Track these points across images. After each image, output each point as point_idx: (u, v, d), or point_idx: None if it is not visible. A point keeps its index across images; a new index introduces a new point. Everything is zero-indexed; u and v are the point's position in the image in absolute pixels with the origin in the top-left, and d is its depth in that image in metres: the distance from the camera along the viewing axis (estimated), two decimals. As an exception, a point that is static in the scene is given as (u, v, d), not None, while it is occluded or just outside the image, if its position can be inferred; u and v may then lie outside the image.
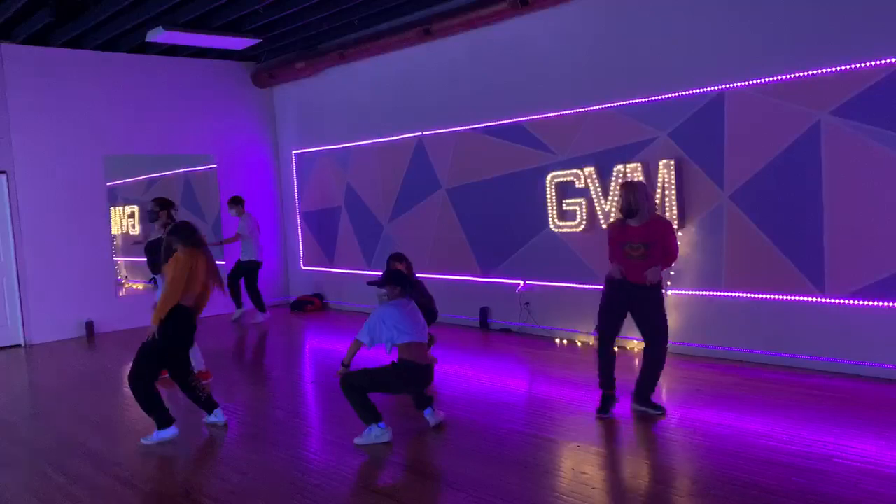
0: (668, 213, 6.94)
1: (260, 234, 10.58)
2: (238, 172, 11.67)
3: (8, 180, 9.66)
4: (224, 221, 11.39)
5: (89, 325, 10.12)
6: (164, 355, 5.36)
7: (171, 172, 11.24)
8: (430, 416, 5.35)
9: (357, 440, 5.05)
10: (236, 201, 10.43)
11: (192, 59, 11.09)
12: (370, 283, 5.49)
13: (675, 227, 6.93)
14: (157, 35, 8.89)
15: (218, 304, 10.70)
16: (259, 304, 10.44)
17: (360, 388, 5.04)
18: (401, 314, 5.17)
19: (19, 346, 9.76)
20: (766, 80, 6.32)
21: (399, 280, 5.32)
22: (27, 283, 9.78)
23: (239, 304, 10.57)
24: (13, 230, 9.71)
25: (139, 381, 5.28)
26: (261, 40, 9.77)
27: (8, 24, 8.91)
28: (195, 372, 6.86)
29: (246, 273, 10.38)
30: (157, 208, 6.95)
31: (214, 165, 11.45)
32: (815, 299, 6.17)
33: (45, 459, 5.19)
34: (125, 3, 8.12)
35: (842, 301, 6.03)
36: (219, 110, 11.44)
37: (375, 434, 5.02)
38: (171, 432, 5.33)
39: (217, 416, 5.68)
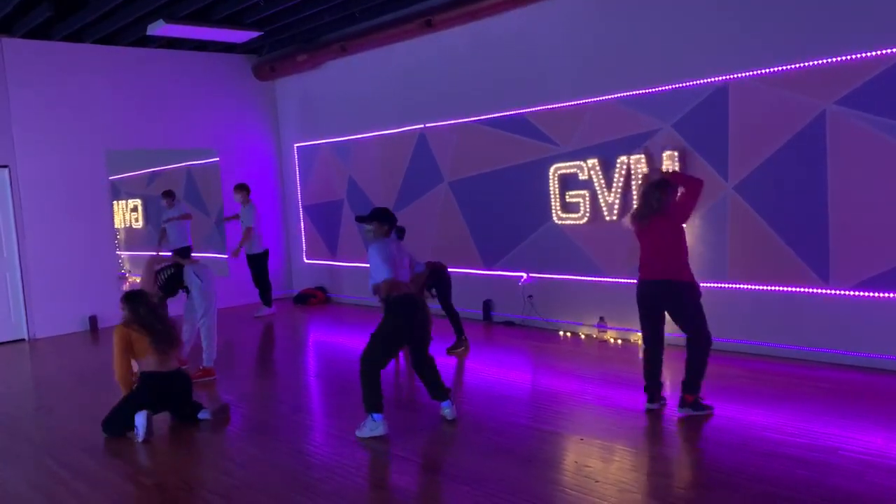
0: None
1: (261, 225, 10.54)
2: (240, 166, 11.64)
3: (10, 175, 9.65)
4: (227, 214, 11.36)
5: (93, 320, 10.13)
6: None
7: (174, 166, 11.22)
8: (448, 411, 5.31)
9: (358, 433, 5.05)
10: (243, 188, 10.40)
11: (194, 53, 11.06)
12: (358, 219, 5.49)
13: None
14: (157, 28, 8.86)
15: (221, 298, 10.70)
16: (266, 298, 10.42)
17: (378, 366, 5.05)
18: (390, 251, 5.22)
19: (23, 340, 9.77)
20: (771, 70, 6.27)
21: (386, 218, 5.34)
22: (30, 277, 9.79)
23: (267, 303, 10.52)
24: (16, 224, 9.71)
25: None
26: (262, 33, 9.73)
27: (8, 18, 8.88)
28: (200, 368, 6.92)
29: (256, 264, 10.34)
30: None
31: (217, 159, 11.43)
32: (819, 291, 6.14)
33: (48, 454, 5.19)
34: (125, -4, 8.10)
35: (846, 292, 5.99)
36: (220, 103, 11.41)
37: (370, 427, 5.01)
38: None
39: (203, 413, 5.72)
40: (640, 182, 7.11)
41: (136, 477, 4.74)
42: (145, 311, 5.56)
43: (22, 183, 9.70)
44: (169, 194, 10.76)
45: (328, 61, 10.59)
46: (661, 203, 5.11)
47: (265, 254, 10.41)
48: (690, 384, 5.10)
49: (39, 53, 9.76)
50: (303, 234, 11.85)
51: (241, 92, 11.64)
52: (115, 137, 10.42)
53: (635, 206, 5.32)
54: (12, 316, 9.75)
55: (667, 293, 5.12)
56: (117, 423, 5.40)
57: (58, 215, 9.94)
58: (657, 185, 5.21)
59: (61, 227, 9.97)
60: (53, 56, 9.87)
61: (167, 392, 5.53)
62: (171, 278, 6.86)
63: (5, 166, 9.63)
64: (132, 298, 5.64)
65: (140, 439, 5.27)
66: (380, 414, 5.04)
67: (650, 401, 5.29)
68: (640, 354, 5.42)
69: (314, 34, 10.35)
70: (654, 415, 5.18)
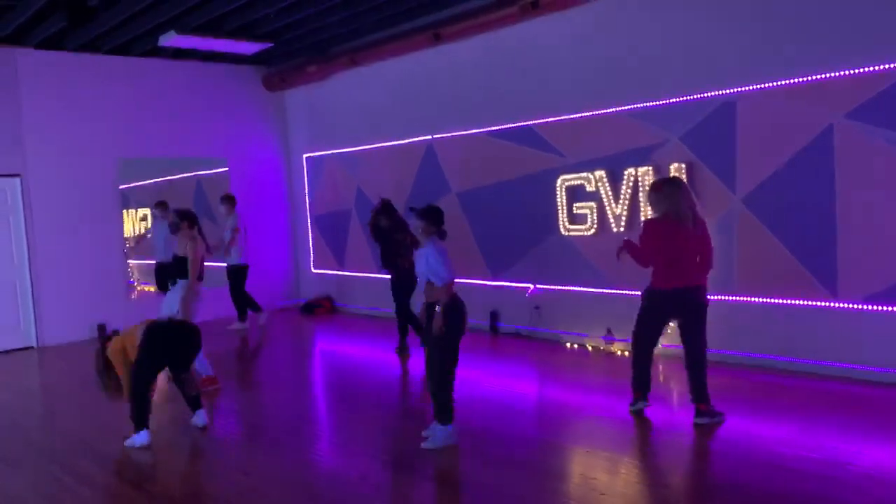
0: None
1: (247, 237, 10.27)
2: (249, 175, 11.70)
3: (22, 183, 9.74)
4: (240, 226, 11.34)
5: (101, 328, 10.16)
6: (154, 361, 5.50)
7: (183, 175, 11.29)
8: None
9: (426, 444, 4.93)
10: (230, 199, 10.14)
11: (205, 63, 11.15)
12: (411, 209, 5.30)
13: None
14: (169, 39, 8.94)
15: (223, 308, 10.66)
16: (253, 306, 10.23)
17: (452, 373, 4.96)
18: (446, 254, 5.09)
19: (32, 347, 9.82)
20: (779, 83, 6.27)
21: (436, 220, 5.11)
22: (40, 285, 9.84)
23: (243, 317, 10.25)
24: (26, 232, 9.78)
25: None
26: (272, 44, 9.80)
27: (23, 28, 8.99)
28: (202, 376, 6.94)
29: (235, 276, 10.05)
30: (178, 219, 6.91)
31: (226, 168, 11.50)
32: (827, 304, 6.11)
33: (54, 460, 5.21)
34: (138, 7, 8.17)
35: (854, 306, 5.97)
36: (231, 114, 11.49)
37: (444, 437, 4.92)
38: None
39: (198, 418, 5.70)
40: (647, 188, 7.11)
41: (142, 484, 4.74)
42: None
43: (33, 191, 9.78)
44: (161, 205, 10.54)
45: (337, 73, 10.66)
46: (694, 201, 5.22)
47: (245, 268, 10.10)
48: (702, 393, 5.15)
49: (52, 63, 9.87)
50: (311, 243, 11.88)
51: (251, 102, 11.72)
52: (125, 146, 10.49)
53: (666, 207, 5.13)
54: (21, 323, 9.80)
55: (696, 298, 5.17)
56: (142, 376, 5.41)
57: (68, 224, 10.00)
58: (679, 182, 5.30)
59: (71, 236, 10.03)
60: (66, 66, 9.97)
61: (176, 337, 5.58)
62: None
63: (17, 175, 9.72)
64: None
65: (129, 444, 5.34)
66: (452, 424, 4.96)
67: (644, 400, 5.41)
68: (634, 357, 5.42)
69: (324, 46, 10.42)
70: (660, 426, 5.17)
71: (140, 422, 5.36)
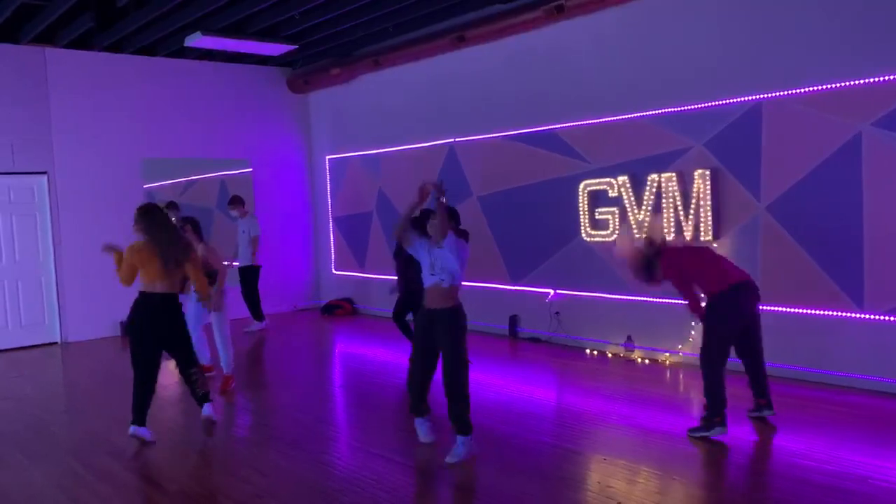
0: (702, 224, 6.84)
1: (261, 238, 10.18)
2: (272, 177, 11.78)
3: (48, 181, 9.87)
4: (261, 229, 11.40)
5: (124, 325, 10.27)
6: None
7: (207, 176, 11.38)
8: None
9: (450, 459, 4.72)
10: (240, 201, 9.98)
11: (230, 64, 11.24)
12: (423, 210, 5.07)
13: (709, 238, 6.81)
14: (195, 40, 9.03)
15: (239, 309, 10.66)
16: (256, 313, 10.12)
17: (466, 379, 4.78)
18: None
19: (55, 343, 9.95)
20: (805, 90, 6.18)
21: (455, 217, 5.03)
22: (65, 282, 9.97)
23: (259, 317, 10.16)
24: (53, 230, 9.91)
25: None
26: (297, 46, 9.86)
27: (52, 28, 9.12)
28: (224, 372, 6.96)
29: (250, 278, 9.97)
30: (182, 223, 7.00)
31: (250, 169, 11.58)
32: (853, 315, 6.01)
33: (74, 456, 5.26)
34: (165, 8, 8.27)
35: (881, 318, 5.86)
36: (255, 115, 11.57)
37: (468, 449, 4.74)
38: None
39: (205, 410, 5.72)
40: (672, 200, 7.05)
41: (159, 482, 4.78)
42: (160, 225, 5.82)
43: (59, 189, 9.91)
44: (172, 206, 10.58)
45: (361, 75, 10.69)
46: None
47: (259, 269, 10.03)
48: (767, 389, 5.31)
49: (80, 63, 10.00)
50: (332, 245, 11.93)
51: (275, 104, 11.80)
52: (150, 146, 10.61)
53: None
54: (46, 319, 9.94)
55: (755, 292, 5.25)
56: (137, 363, 5.43)
57: (93, 221, 10.11)
58: None
59: (96, 233, 10.09)
60: (94, 66, 10.10)
61: (159, 307, 5.49)
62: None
63: (44, 173, 9.85)
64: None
65: (130, 433, 5.41)
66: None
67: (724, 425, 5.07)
68: (712, 378, 5.05)
69: (348, 48, 10.46)
70: (680, 436, 5.10)
71: (134, 415, 5.40)
